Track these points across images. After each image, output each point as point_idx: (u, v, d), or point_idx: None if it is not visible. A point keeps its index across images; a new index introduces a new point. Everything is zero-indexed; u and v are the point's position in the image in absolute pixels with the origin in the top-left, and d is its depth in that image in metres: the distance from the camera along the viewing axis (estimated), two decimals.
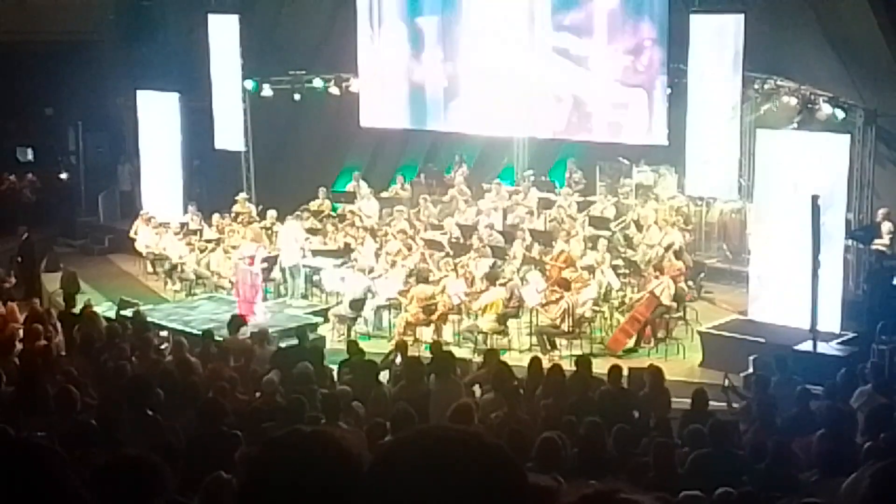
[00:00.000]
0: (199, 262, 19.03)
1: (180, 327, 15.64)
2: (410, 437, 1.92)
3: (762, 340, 14.15)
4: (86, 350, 12.13)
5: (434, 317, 15.75)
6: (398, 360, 12.59)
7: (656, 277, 15.63)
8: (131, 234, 20.98)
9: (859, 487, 2.46)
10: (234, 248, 18.53)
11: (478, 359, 13.21)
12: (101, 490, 3.72)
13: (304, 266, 18.35)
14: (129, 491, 3.77)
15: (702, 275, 17.78)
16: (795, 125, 16.27)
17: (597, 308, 15.96)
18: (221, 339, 13.23)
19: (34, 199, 25.88)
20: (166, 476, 3.89)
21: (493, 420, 9.06)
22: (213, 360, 12.05)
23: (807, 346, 13.70)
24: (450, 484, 1.81)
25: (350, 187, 21.87)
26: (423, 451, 1.85)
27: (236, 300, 16.79)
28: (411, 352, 13.23)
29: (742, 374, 13.00)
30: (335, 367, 12.10)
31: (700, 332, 15.33)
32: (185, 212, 21.12)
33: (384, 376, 12.08)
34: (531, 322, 15.94)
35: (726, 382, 11.40)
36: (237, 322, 13.63)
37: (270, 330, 14.21)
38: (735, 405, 11.01)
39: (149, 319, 14.63)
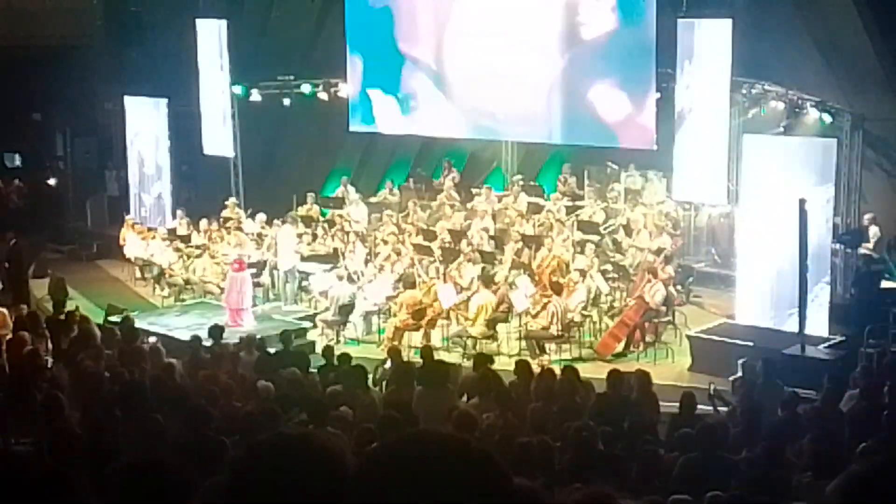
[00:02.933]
0: (188, 267, 18.98)
1: (169, 333, 15.62)
2: (397, 441, 1.91)
3: (751, 344, 14.17)
4: (73, 356, 12.08)
5: (423, 322, 15.74)
6: (387, 364, 12.60)
7: (649, 281, 15.62)
8: (122, 241, 20.92)
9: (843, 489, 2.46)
10: (224, 255, 18.49)
11: (467, 363, 13.23)
12: (118, 497, 3.59)
13: (297, 271, 18.39)
14: (151, 499, 3.50)
15: (690, 279, 17.81)
16: (782, 129, 16.30)
17: (586, 312, 15.98)
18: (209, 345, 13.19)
19: (21, 205, 25.79)
20: (191, 482, 3.58)
21: (483, 423, 9.03)
22: (202, 366, 12.01)
23: (795, 349, 13.73)
24: (435, 489, 1.80)
25: (338, 192, 21.86)
26: (409, 456, 1.85)
27: (224, 308, 16.79)
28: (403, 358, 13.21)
29: (730, 378, 13.03)
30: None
31: (689, 336, 15.35)
32: (174, 217, 21.08)
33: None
34: (521, 327, 15.94)
35: (711, 389, 11.40)
36: (218, 330, 13.59)
37: (258, 336, 14.17)
38: (722, 409, 11.02)
39: (137, 325, 14.59)
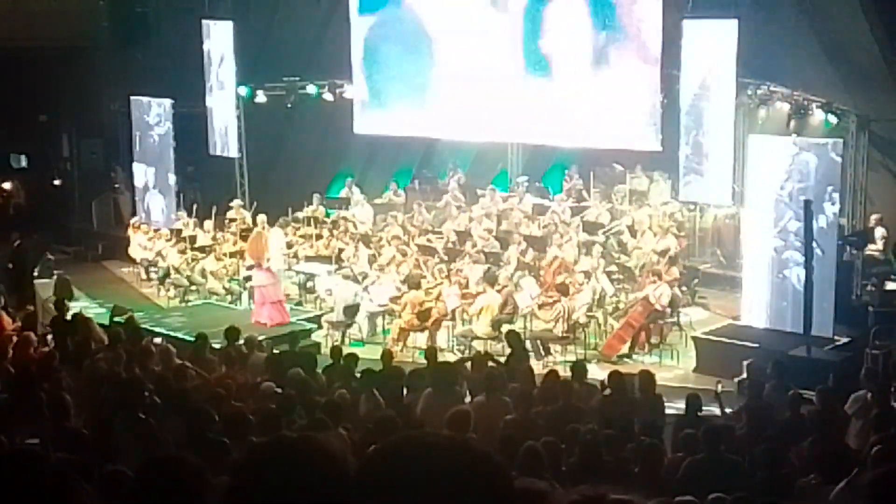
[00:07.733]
0: (193, 268, 19.00)
1: (174, 334, 15.63)
2: (397, 443, 1.91)
3: (756, 346, 14.15)
4: (78, 357, 12.09)
5: (428, 323, 15.74)
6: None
7: (653, 282, 15.60)
8: (128, 243, 20.91)
9: (859, 494, 2.45)
10: (238, 254, 18.45)
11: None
12: (135, 496, 3.57)
13: (296, 272, 18.39)
14: (167, 498, 3.44)
15: (696, 280, 17.78)
16: (796, 135, 16.18)
17: (591, 314, 15.96)
18: (218, 346, 13.18)
19: (25, 205, 25.78)
20: (207, 479, 3.49)
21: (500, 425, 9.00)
22: (208, 366, 12.01)
23: (801, 351, 13.71)
24: (435, 490, 1.80)
25: (343, 193, 21.88)
26: (409, 458, 1.85)
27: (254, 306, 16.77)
28: (404, 357, 13.19)
29: (736, 380, 13.01)
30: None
31: (694, 338, 15.34)
32: (179, 218, 21.10)
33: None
34: (525, 328, 15.93)
35: (718, 388, 11.40)
36: (234, 331, 13.52)
37: (261, 337, 14.15)
38: (728, 410, 11.01)
39: (142, 326, 14.61)
